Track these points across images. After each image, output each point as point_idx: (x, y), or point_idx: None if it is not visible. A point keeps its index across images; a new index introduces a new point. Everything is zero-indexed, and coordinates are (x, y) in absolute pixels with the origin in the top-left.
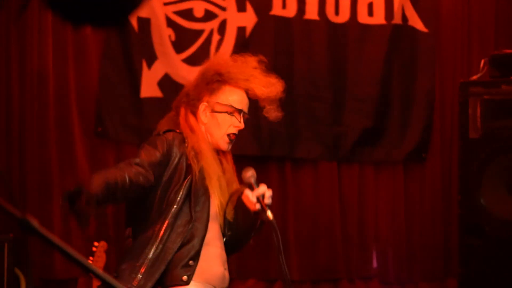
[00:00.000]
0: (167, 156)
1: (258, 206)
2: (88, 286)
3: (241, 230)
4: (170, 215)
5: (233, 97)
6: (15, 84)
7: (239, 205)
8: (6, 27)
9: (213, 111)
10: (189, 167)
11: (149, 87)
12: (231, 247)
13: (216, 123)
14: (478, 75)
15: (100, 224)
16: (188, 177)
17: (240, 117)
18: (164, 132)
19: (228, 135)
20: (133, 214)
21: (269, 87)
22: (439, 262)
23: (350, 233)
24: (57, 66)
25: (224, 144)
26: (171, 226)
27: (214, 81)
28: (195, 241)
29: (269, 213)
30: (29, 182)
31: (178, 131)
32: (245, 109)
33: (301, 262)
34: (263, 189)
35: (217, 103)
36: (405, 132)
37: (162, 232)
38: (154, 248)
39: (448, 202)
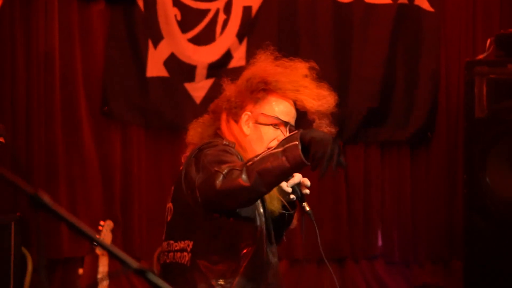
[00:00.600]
0: None
1: (292, 197)
2: (94, 264)
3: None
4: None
5: (280, 108)
6: (21, 65)
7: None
8: (12, 9)
9: (257, 122)
10: None
11: (155, 67)
12: None
13: (259, 136)
14: (484, 54)
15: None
16: None
17: (286, 131)
18: (224, 144)
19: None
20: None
21: (320, 100)
22: (444, 243)
23: (355, 213)
24: (63, 47)
25: None
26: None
27: (260, 89)
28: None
29: (306, 204)
30: (36, 162)
31: (227, 141)
32: (292, 121)
33: (308, 241)
34: (298, 177)
35: (262, 114)
36: (411, 112)
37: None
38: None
39: (453, 182)
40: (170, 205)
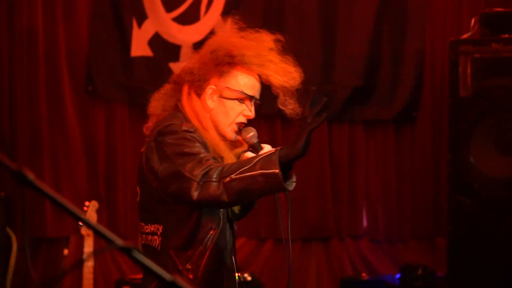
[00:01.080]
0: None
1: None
2: (79, 244)
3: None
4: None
5: (245, 82)
6: (5, 43)
7: None
8: None
9: (221, 96)
10: None
11: (139, 46)
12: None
13: (224, 110)
14: (469, 33)
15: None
16: None
17: (251, 105)
18: (184, 130)
19: (237, 123)
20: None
21: (286, 75)
22: (429, 221)
23: (340, 192)
24: (46, 25)
25: (231, 133)
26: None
27: (225, 62)
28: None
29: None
30: (20, 141)
31: (186, 124)
32: (257, 95)
33: (292, 220)
34: (269, 149)
35: (227, 88)
36: (395, 91)
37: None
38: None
39: (438, 161)
40: (137, 187)
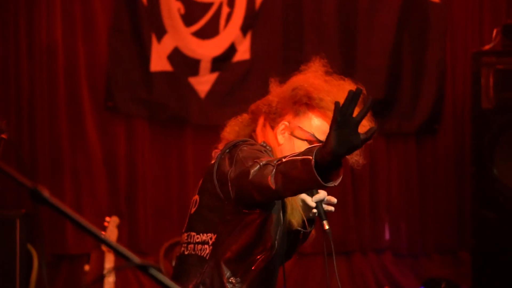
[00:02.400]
0: None
1: (314, 211)
2: (100, 260)
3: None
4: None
5: (318, 126)
6: (24, 59)
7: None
8: (15, 1)
9: (292, 134)
10: None
11: (159, 61)
12: None
13: (292, 148)
14: (491, 44)
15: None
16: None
17: None
18: (260, 145)
19: None
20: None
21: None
22: (452, 234)
23: (362, 205)
24: (66, 40)
25: None
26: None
27: (303, 102)
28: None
29: (326, 222)
30: (40, 157)
31: (267, 145)
32: None
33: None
34: (324, 194)
35: (299, 127)
36: (417, 104)
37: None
38: None
39: (461, 174)
40: (196, 197)
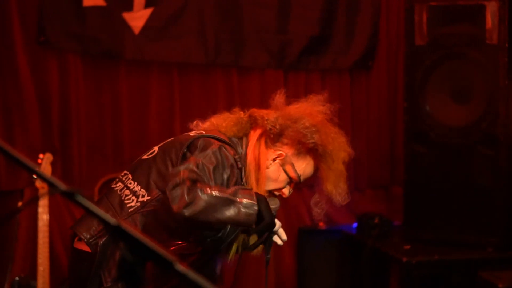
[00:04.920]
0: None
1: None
2: (34, 196)
3: None
4: None
5: (307, 170)
6: None
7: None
8: None
9: (282, 166)
10: None
11: None
12: None
13: (275, 178)
14: None
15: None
16: None
17: (293, 188)
18: (236, 160)
19: (271, 192)
20: None
21: (338, 189)
22: (385, 170)
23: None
24: None
25: (264, 193)
26: None
27: (307, 145)
28: None
29: (269, 254)
30: None
31: (239, 163)
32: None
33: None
34: (278, 225)
35: (292, 165)
36: (351, 40)
37: None
38: None
39: (394, 110)
40: (155, 148)
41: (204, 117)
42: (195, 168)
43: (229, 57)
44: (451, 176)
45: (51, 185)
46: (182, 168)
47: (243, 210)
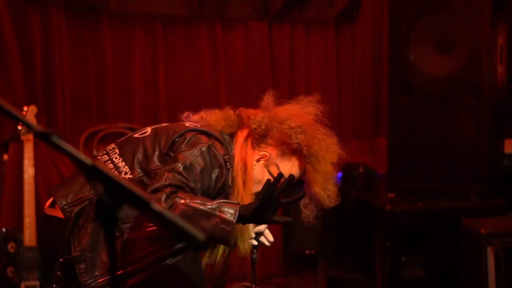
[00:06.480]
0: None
1: (253, 242)
2: (19, 150)
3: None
4: None
5: (293, 173)
6: None
7: None
8: None
9: (266, 167)
10: None
11: None
12: None
13: (260, 179)
14: None
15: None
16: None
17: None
18: (226, 160)
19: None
20: None
21: (326, 191)
22: (370, 121)
23: (281, 94)
24: None
25: (250, 197)
26: None
27: (291, 146)
28: None
29: (256, 251)
30: None
31: (228, 163)
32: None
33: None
34: (264, 227)
35: (276, 165)
36: None
37: None
38: None
39: (378, 60)
40: (148, 129)
41: (187, 71)
42: (181, 170)
43: (212, 9)
44: (435, 126)
45: (27, 126)
46: (168, 169)
47: (221, 225)
